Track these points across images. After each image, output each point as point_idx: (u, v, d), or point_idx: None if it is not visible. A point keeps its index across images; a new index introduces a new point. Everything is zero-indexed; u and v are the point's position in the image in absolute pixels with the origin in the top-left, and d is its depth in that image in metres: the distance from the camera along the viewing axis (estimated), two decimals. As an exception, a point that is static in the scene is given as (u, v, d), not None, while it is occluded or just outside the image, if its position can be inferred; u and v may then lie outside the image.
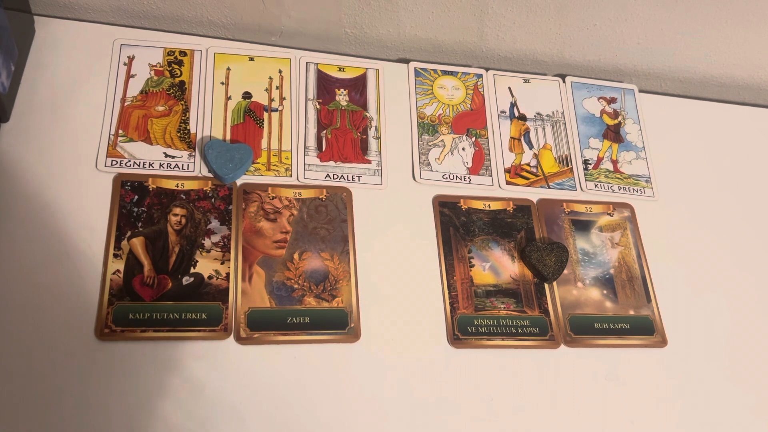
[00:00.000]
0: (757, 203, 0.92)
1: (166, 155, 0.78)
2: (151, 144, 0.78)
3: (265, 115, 0.83)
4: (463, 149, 0.87)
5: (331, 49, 0.93)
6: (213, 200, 0.76)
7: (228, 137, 0.80)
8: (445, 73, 0.92)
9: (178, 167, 0.77)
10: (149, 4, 0.86)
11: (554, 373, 0.75)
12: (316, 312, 0.73)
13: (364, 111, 0.86)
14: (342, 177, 0.81)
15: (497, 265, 0.80)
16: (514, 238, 0.82)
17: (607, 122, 0.94)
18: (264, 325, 0.71)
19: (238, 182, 0.78)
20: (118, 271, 0.70)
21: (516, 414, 0.72)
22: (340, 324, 0.73)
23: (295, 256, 0.76)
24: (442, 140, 0.87)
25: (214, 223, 0.75)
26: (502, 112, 0.91)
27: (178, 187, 0.76)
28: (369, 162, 0.83)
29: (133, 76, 0.82)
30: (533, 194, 0.86)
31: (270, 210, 0.77)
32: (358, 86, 0.88)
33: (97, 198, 0.74)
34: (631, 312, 0.81)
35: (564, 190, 0.87)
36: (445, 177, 0.84)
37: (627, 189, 0.89)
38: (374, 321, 0.74)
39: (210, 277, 0.72)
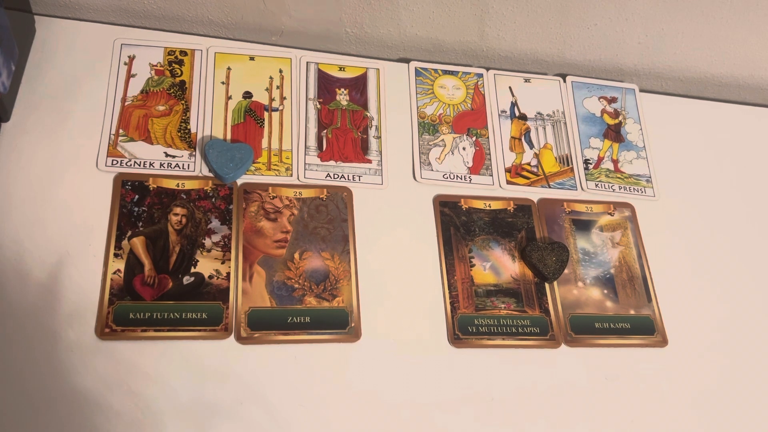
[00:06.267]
0: (758, 203, 0.92)
1: (167, 155, 0.78)
2: (152, 144, 0.78)
3: (266, 114, 0.83)
4: (464, 149, 0.87)
5: (331, 48, 0.93)
6: (213, 200, 0.76)
7: (228, 137, 0.80)
8: (445, 72, 0.92)
9: (178, 167, 0.77)
10: (150, 4, 0.86)
11: (554, 373, 0.75)
12: (317, 312, 0.73)
13: (364, 111, 0.86)
14: (342, 176, 0.81)
15: (498, 265, 0.80)
16: (515, 238, 0.82)
17: (608, 122, 0.94)
18: (264, 325, 0.71)
19: (239, 182, 0.78)
20: (118, 270, 0.70)
21: (516, 414, 0.72)
22: (340, 324, 0.73)
23: (296, 255, 0.76)
24: (443, 140, 0.87)
25: (215, 223, 0.75)
26: (503, 111, 0.91)
27: (178, 186, 0.76)
28: (369, 162, 0.83)
29: (133, 75, 0.82)
30: (534, 194, 0.86)
31: (270, 209, 0.77)
32: (358, 86, 0.88)
33: (98, 197, 0.74)
34: (632, 312, 0.81)
35: (564, 189, 0.87)
36: (445, 177, 0.84)
37: (627, 188, 0.89)
38: (375, 321, 0.74)
39: (210, 277, 0.72)
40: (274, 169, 0.80)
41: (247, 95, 0.83)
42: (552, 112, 0.92)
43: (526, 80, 0.94)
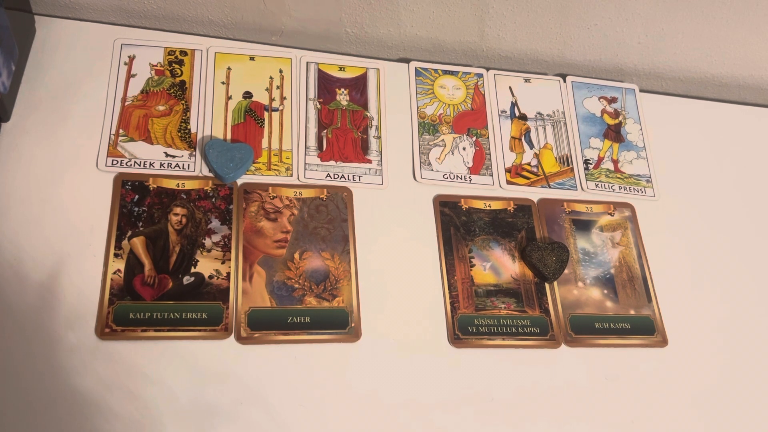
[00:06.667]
0: (758, 203, 0.92)
1: (167, 155, 0.78)
2: (152, 144, 0.78)
3: (266, 114, 0.83)
4: (464, 149, 0.87)
5: (331, 48, 0.93)
6: (213, 200, 0.76)
7: (228, 137, 0.80)
8: (445, 72, 0.92)
9: (178, 167, 0.77)
10: (150, 4, 0.86)
11: (554, 373, 0.75)
12: (317, 312, 0.73)
13: (364, 111, 0.86)
14: (342, 176, 0.81)
15: (498, 265, 0.80)
16: (515, 238, 0.82)
17: (608, 122, 0.94)
18: (264, 325, 0.71)
19: (239, 182, 0.78)
20: (118, 270, 0.70)
21: (516, 414, 0.72)
22: (340, 324, 0.73)
23: (296, 255, 0.76)
24: (443, 140, 0.87)
25: (215, 223, 0.75)
26: (503, 111, 0.91)
27: (178, 186, 0.76)
28: (369, 162, 0.83)
29: (133, 75, 0.82)
30: (534, 194, 0.86)
31: (270, 209, 0.77)
32: (358, 86, 0.88)
33: (98, 197, 0.74)
34: (632, 312, 0.81)
35: (565, 189, 0.87)
36: (445, 177, 0.84)
37: (627, 189, 0.89)
38: (375, 321, 0.74)
39: (210, 277, 0.72)
40: (274, 169, 0.80)
41: (247, 95, 0.83)
42: (552, 112, 0.92)
43: (526, 80, 0.94)
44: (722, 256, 0.87)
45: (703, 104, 1.00)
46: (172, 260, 0.72)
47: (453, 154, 0.86)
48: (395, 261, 0.78)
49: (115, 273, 0.70)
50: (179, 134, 0.79)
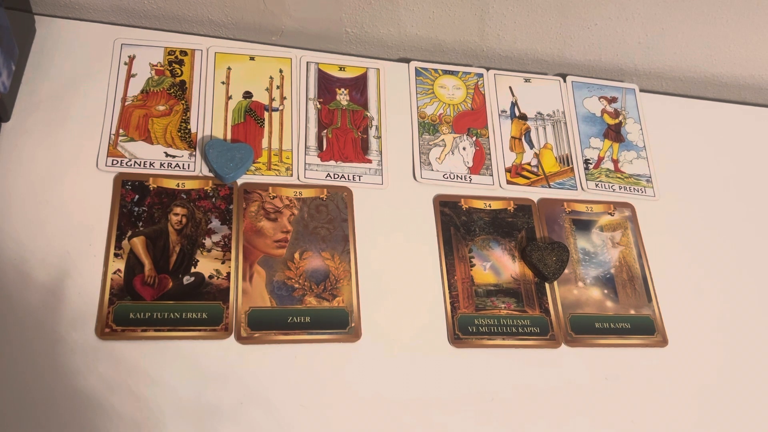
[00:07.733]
0: (758, 203, 0.92)
1: (167, 155, 0.78)
2: (152, 143, 0.78)
3: (266, 114, 0.83)
4: (464, 149, 0.87)
5: (331, 48, 0.93)
6: (214, 200, 0.76)
7: (229, 137, 0.80)
8: (445, 72, 0.92)
9: (178, 167, 0.77)
10: (150, 4, 0.86)
11: (554, 373, 0.75)
12: (317, 311, 0.73)
13: (364, 110, 0.86)
14: (343, 176, 0.81)
15: (498, 265, 0.80)
16: (515, 238, 0.82)
17: (608, 122, 0.94)
18: (265, 325, 0.71)
19: (239, 182, 0.78)
20: (118, 270, 0.70)
21: (516, 414, 0.72)
22: (340, 324, 0.73)
23: (296, 255, 0.76)
24: (443, 140, 0.87)
25: (215, 223, 0.75)
26: (503, 111, 0.91)
27: (178, 186, 0.76)
28: (370, 161, 0.83)
29: (133, 75, 0.82)
30: (534, 194, 0.86)
31: (271, 209, 0.77)
32: (358, 86, 0.88)
33: (98, 197, 0.74)
34: (632, 312, 0.81)
35: (565, 189, 0.87)
36: (445, 176, 0.84)
37: (628, 188, 0.89)
38: (375, 320, 0.74)
39: (211, 277, 0.72)
40: (275, 169, 0.80)
41: (248, 95, 0.83)
42: (552, 112, 0.92)
43: (526, 80, 0.94)
44: (722, 256, 0.87)
45: (703, 104, 1.00)
46: (172, 260, 0.72)
47: (453, 153, 0.86)
48: (395, 261, 0.78)
49: (115, 273, 0.70)
50: (179, 134, 0.79)
